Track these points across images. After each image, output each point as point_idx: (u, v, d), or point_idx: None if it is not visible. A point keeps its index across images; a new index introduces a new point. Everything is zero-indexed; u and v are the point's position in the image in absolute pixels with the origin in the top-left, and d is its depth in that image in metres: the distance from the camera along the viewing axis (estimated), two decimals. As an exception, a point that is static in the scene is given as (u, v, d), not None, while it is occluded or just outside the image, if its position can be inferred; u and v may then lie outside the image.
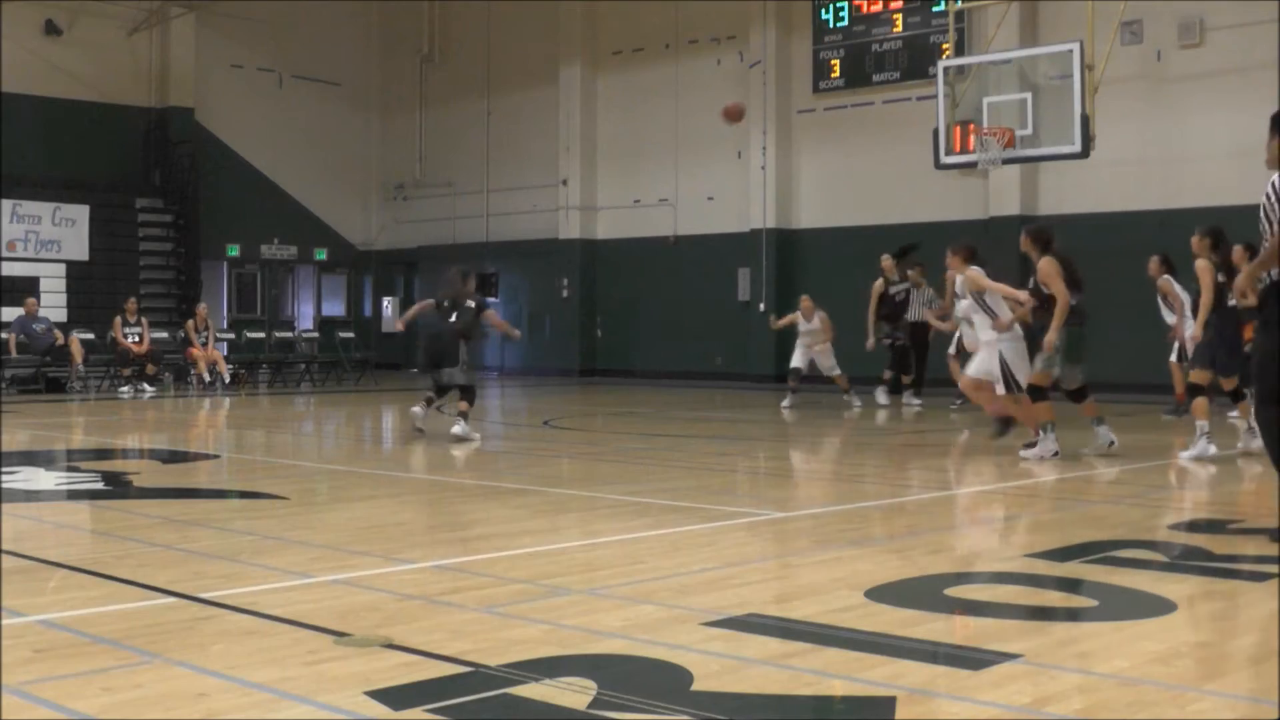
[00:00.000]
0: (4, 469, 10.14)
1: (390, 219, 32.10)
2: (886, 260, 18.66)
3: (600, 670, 4.20)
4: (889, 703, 3.86)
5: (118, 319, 22.06)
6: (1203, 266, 11.50)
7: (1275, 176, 6.74)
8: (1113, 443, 11.23)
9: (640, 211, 26.97)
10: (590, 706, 3.81)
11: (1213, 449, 10.91)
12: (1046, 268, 11.05)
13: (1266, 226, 6.73)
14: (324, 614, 4.99)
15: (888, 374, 18.74)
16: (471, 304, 14.15)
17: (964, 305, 12.29)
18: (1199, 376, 11.29)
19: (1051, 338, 10.91)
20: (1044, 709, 3.84)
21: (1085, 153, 16.31)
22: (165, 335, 23.87)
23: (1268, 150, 6.88)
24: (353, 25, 31.50)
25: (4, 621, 4.84)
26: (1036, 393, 11.13)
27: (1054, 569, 6.05)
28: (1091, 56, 16.10)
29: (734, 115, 18.09)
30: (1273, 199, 6.67)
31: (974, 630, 4.99)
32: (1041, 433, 11.07)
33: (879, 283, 18.47)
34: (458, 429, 13.09)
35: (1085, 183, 20.57)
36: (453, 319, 13.98)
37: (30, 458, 11.59)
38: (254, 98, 29.66)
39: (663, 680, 4.12)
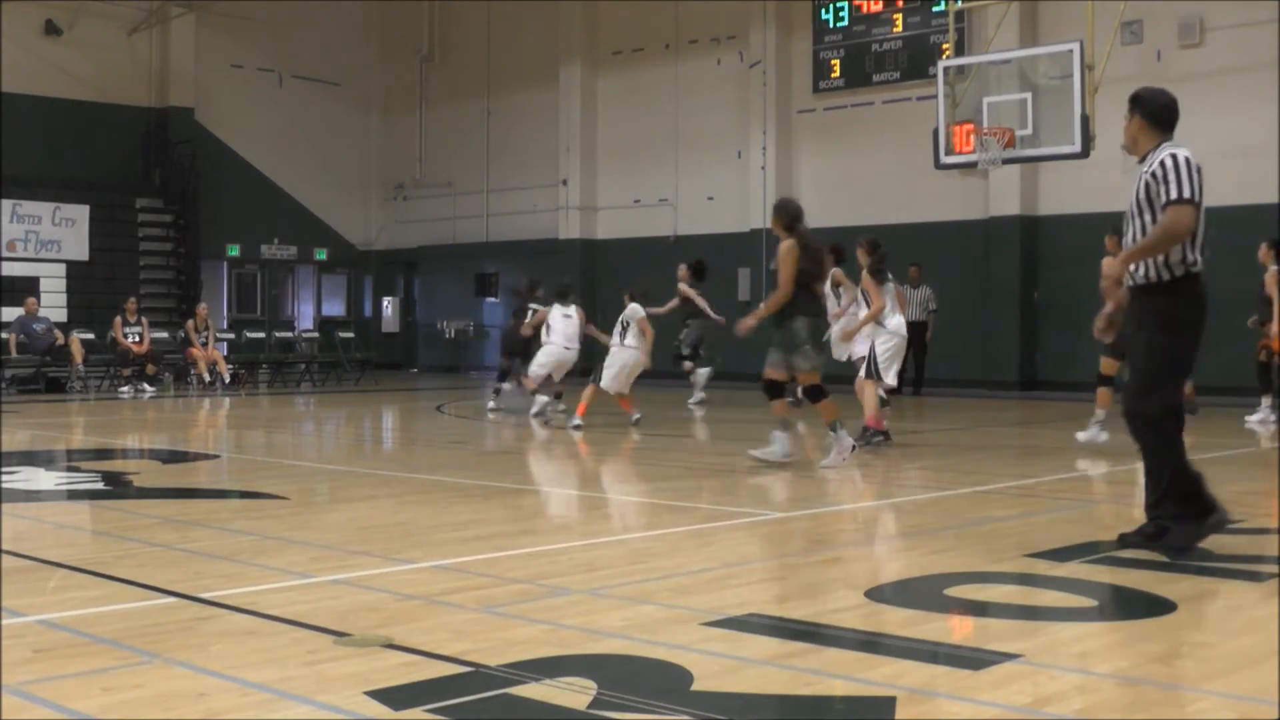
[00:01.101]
0: (4, 469, 10.14)
1: (390, 219, 32.10)
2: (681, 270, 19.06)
3: (600, 670, 4.21)
4: (889, 703, 3.86)
5: (118, 319, 22.06)
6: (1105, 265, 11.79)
7: (1166, 159, 6.49)
8: (855, 447, 10.59)
9: (640, 211, 26.97)
10: (590, 706, 3.81)
11: (1104, 436, 11.53)
12: (781, 252, 10.37)
13: (1136, 219, 6.50)
14: (324, 614, 4.99)
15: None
16: (533, 307, 16.79)
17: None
18: (1111, 367, 11.81)
19: (749, 322, 10.48)
20: (1044, 709, 3.84)
21: (1085, 153, 16.31)
22: (165, 335, 23.88)
23: (1125, 133, 6.78)
24: (353, 25, 31.49)
25: (4, 621, 4.84)
26: (774, 389, 10.57)
27: (1054, 569, 6.05)
28: (1091, 56, 16.10)
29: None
30: (1155, 186, 6.41)
31: (974, 630, 5.00)
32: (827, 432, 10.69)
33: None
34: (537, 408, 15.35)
35: (1085, 183, 20.55)
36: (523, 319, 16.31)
37: (30, 458, 11.59)
38: (254, 98, 29.65)
39: (663, 680, 4.12)
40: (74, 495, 9.05)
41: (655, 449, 13.11)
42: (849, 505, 8.65)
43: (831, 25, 24.08)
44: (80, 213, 25.87)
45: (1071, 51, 16.24)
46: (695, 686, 4.02)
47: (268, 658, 4.37)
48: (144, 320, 22.47)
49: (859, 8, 23.75)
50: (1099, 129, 16.34)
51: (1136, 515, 8.05)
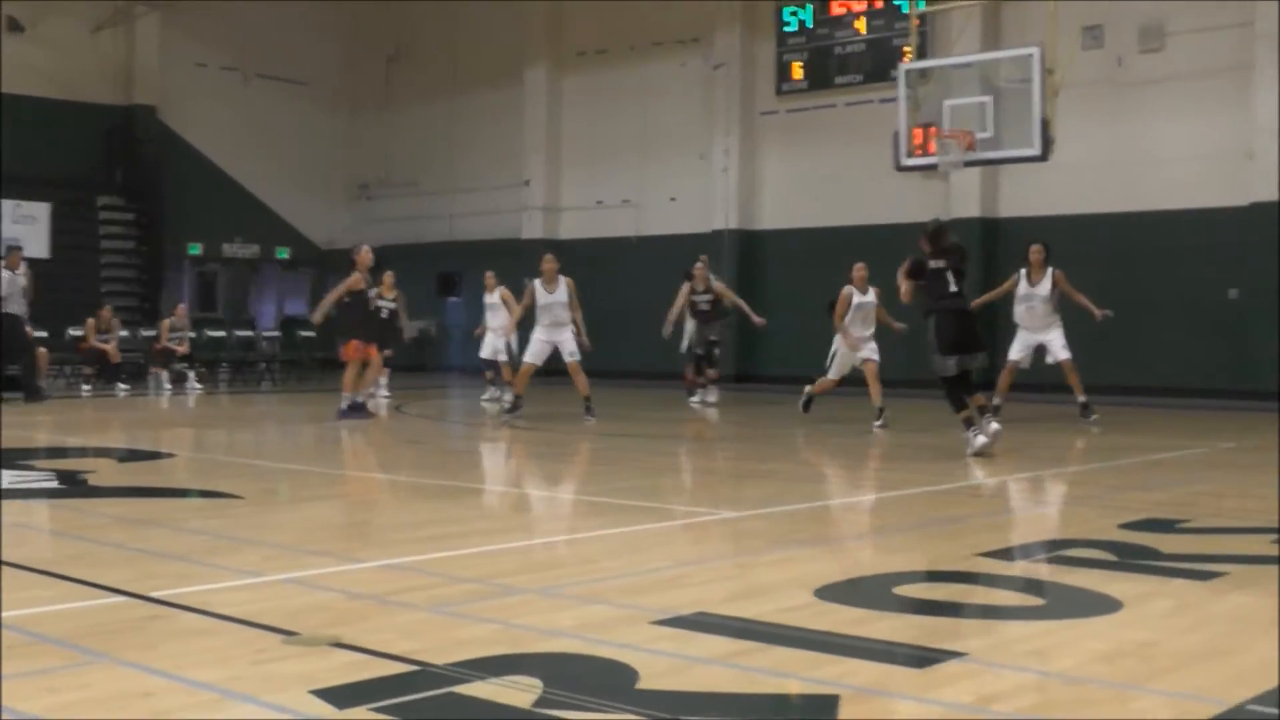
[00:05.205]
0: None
1: (355, 218, 31.98)
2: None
3: (547, 669, 4.21)
4: (833, 701, 3.89)
5: (91, 321, 21.94)
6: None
7: None
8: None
9: (603, 212, 26.98)
10: (535, 705, 3.82)
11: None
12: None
13: None
14: (274, 613, 4.97)
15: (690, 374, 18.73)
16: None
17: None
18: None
19: None
20: (989, 707, 3.88)
21: (1044, 156, 16.39)
22: (126, 334, 23.70)
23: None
24: (318, 24, 31.36)
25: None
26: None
27: (1004, 568, 6.10)
28: (1052, 61, 16.18)
29: None
30: None
31: (922, 629, 5.03)
32: None
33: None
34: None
35: (1045, 185, 20.66)
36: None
37: (-15, 457, 11.49)
38: (218, 96, 29.50)
39: (608, 679, 4.13)
40: (28, 494, 8.98)
41: (615, 449, 13.12)
42: (804, 505, 8.68)
43: (795, 28, 24.16)
44: (41, 210, 25.71)
45: (1032, 56, 16.31)
46: (640, 685, 4.04)
47: (215, 657, 4.36)
48: (115, 321, 22.36)
49: (822, 10, 23.82)
50: (1060, 132, 16.43)
51: (1088, 515, 8.13)
